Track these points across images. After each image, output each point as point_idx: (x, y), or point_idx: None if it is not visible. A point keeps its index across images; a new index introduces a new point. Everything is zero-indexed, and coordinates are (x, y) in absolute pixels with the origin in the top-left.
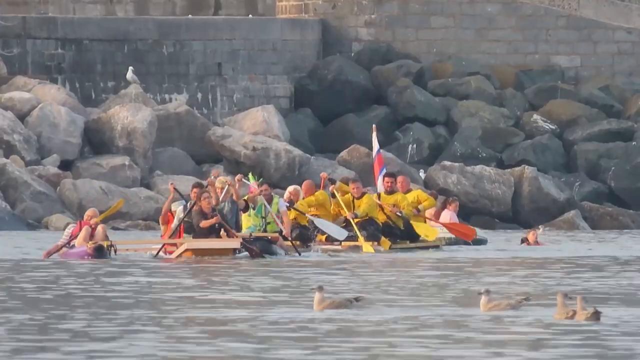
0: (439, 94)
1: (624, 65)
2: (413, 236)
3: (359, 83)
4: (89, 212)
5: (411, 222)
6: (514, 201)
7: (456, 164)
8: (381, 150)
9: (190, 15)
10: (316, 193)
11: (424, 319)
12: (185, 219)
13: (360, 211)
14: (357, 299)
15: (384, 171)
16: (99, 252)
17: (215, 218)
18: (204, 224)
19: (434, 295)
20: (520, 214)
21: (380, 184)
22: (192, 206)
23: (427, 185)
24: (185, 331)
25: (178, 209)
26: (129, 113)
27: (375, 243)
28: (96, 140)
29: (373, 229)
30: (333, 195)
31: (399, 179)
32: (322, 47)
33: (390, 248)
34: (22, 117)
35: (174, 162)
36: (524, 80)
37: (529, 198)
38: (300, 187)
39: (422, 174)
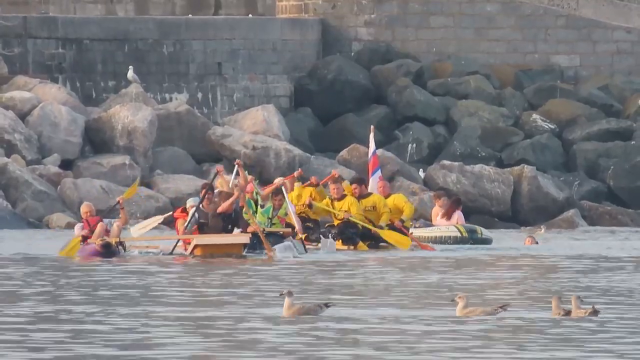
0: (438, 94)
1: (623, 65)
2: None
3: (358, 82)
4: (84, 208)
5: (381, 232)
6: (514, 200)
7: (455, 164)
8: (377, 152)
9: (190, 15)
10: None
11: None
12: (201, 220)
13: (354, 213)
14: (327, 305)
15: (378, 172)
16: (107, 250)
17: (236, 192)
18: (224, 205)
19: (420, 297)
20: (519, 213)
21: (373, 185)
22: (200, 202)
23: (426, 184)
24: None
25: (192, 210)
26: (130, 112)
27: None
28: (97, 140)
29: (351, 233)
30: (310, 206)
31: (379, 184)
32: (322, 46)
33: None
34: (22, 116)
35: (174, 161)
36: (523, 80)
37: (528, 197)
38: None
39: (421, 173)
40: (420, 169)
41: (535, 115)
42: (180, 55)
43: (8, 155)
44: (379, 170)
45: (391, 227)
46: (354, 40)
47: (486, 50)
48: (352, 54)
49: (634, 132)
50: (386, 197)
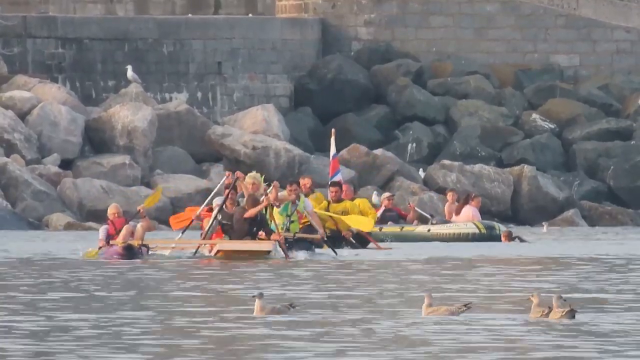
0: (438, 93)
1: (622, 64)
2: (362, 243)
3: (358, 82)
4: (111, 209)
5: (345, 218)
6: (513, 200)
7: (455, 163)
8: (377, 152)
9: (190, 15)
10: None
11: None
12: (224, 222)
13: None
14: (292, 305)
15: (337, 177)
16: (129, 252)
17: (265, 200)
18: (251, 212)
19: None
20: (519, 213)
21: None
22: (223, 203)
23: (426, 184)
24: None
25: (215, 211)
26: (129, 112)
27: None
28: (96, 139)
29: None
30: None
31: (343, 187)
32: (322, 46)
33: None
34: (22, 116)
35: (174, 160)
36: (523, 80)
37: (528, 197)
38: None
39: (421, 173)
40: (420, 169)
41: (535, 115)
42: (180, 55)
43: (8, 155)
44: (339, 173)
45: (357, 234)
46: (353, 39)
47: (486, 50)
48: (352, 53)
49: (634, 131)
50: (351, 200)
